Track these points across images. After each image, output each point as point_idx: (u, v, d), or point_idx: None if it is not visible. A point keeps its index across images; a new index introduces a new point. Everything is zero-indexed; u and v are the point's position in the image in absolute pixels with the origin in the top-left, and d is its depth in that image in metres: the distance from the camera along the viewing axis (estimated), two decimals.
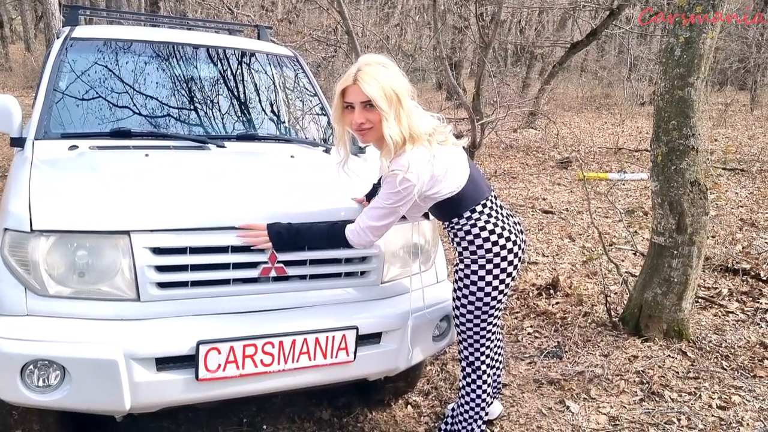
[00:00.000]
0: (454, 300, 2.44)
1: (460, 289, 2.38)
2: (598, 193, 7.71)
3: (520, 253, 2.38)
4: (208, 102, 3.36)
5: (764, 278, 4.36)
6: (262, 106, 3.54)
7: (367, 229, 2.21)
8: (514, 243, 2.35)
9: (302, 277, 2.37)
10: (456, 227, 2.34)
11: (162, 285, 2.16)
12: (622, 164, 9.55)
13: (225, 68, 3.55)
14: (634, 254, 5.10)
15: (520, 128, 13.50)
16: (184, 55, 3.46)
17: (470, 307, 2.38)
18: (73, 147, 2.84)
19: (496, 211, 2.35)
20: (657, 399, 2.95)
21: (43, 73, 3.18)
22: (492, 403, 2.79)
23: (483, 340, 2.45)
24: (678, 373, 3.17)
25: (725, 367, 3.24)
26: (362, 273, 2.47)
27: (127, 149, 2.88)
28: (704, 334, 3.57)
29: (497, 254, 2.31)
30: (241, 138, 3.22)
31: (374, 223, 2.21)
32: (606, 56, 24.48)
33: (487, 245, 2.30)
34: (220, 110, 3.36)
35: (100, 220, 2.13)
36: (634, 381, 3.10)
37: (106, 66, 3.26)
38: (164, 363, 2.10)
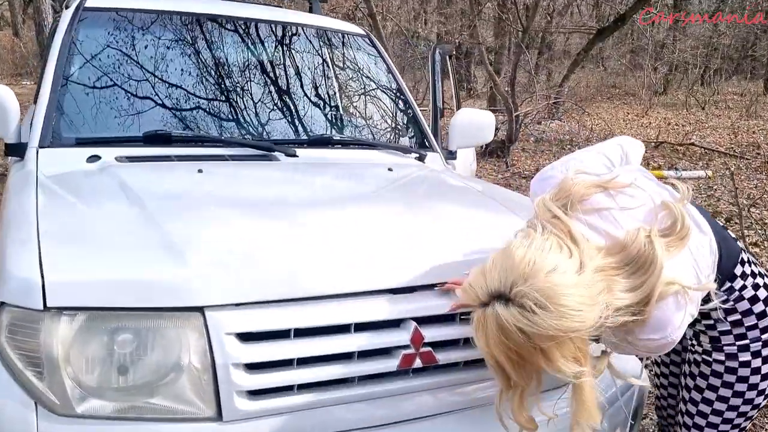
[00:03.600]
0: (690, 403, 1.63)
1: (713, 389, 1.56)
2: None
3: None
4: (270, 95, 2.53)
5: None
6: (337, 101, 2.72)
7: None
8: None
9: (455, 365, 1.56)
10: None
11: (255, 393, 1.35)
12: (671, 159, 8.77)
13: (288, 50, 2.72)
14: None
15: (545, 120, 12.70)
16: (236, 32, 2.62)
17: (729, 415, 1.57)
18: (94, 158, 2.03)
19: (754, 263, 1.56)
20: None
21: (48, 55, 2.34)
22: None
23: None
24: None
25: None
26: None
27: (169, 161, 2.07)
28: None
29: None
30: (313, 143, 2.41)
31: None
32: (618, 45, 23.66)
33: (764, 322, 1.51)
34: (285, 106, 2.53)
35: (156, 288, 1.32)
36: None
37: (133, 46, 2.42)
38: None
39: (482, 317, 1.21)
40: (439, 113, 3.05)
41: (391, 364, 1.46)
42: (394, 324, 1.48)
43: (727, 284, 1.47)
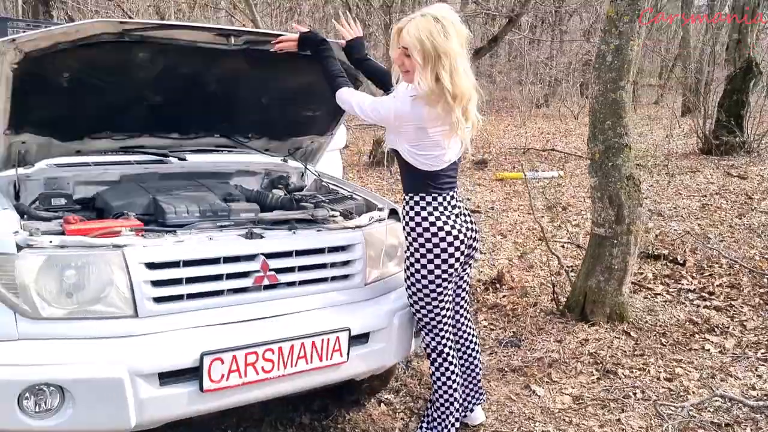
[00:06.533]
0: (406, 288, 2.56)
1: (409, 277, 2.51)
2: (517, 191, 8.12)
3: (463, 248, 2.48)
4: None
5: (681, 261, 4.81)
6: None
7: (354, 103, 2.42)
8: (455, 237, 2.43)
9: (292, 284, 2.42)
10: (406, 198, 2.48)
11: (158, 300, 2.15)
12: (533, 163, 10.08)
13: None
14: (562, 247, 5.46)
15: None
16: None
17: (420, 294, 2.50)
18: None
19: (444, 207, 2.44)
20: (612, 377, 3.21)
21: None
22: (472, 409, 2.87)
23: (441, 325, 2.56)
24: (626, 352, 3.46)
25: (664, 343, 3.57)
26: (347, 276, 2.55)
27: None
28: (640, 316, 3.90)
29: (436, 245, 2.42)
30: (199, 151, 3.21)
31: (360, 104, 2.40)
32: (502, 60, 25.73)
33: (426, 235, 2.42)
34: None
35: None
36: (589, 362, 3.36)
37: None
38: (168, 377, 2.09)
39: (414, 20, 2.30)
40: None
41: (247, 282, 2.30)
42: (250, 257, 2.32)
43: (418, 196, 2.43)
